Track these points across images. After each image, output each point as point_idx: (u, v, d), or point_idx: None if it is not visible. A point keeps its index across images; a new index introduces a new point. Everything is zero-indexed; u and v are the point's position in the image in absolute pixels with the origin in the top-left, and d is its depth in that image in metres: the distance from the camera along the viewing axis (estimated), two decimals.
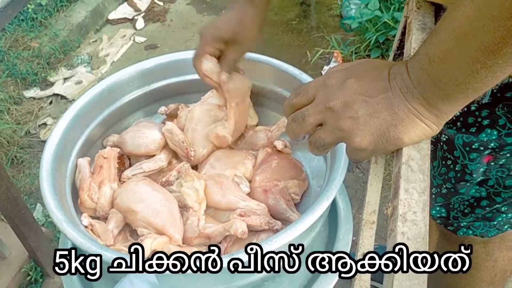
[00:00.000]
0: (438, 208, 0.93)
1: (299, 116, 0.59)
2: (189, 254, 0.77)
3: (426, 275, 0.49)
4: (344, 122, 0.56)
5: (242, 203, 0.82)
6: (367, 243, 0.75)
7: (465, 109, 0.77)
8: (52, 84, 2.44)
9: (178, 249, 0.77)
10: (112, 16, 2.89)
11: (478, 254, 1.01)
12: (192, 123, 0.92)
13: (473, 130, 0.79)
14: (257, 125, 0.99)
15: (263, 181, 0.85)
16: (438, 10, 0.80)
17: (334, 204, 0.88)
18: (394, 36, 2.21)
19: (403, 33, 0.89)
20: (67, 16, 2.73)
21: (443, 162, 0.86)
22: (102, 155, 0.87)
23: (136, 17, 2.89)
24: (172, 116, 1.00)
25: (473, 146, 0.80)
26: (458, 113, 0.79)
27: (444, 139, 0.83)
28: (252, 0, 0.84)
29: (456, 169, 0.85)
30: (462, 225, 0.93)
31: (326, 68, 2.37)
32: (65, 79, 2.47)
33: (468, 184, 0.86)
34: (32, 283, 1.56)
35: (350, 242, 0.84)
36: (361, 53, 2.33)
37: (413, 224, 0.51)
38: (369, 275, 0.74)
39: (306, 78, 0.92)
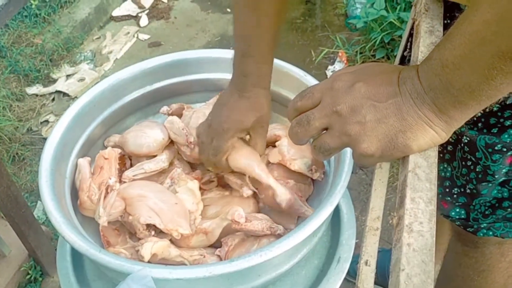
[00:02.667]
0: (457, 210, 0.92)
1: (304, 119, 0.58)
2: (190, 259, 0.76)
3: (431, 286, 0.47)
4: (351, 127, 0.54)
5: (257, 169, 0.83)
6: (371, 250, 0.74)
7: (487, 110, 0.76)
8: (54, 81, 2.42)
9: (178, 252, 0.76)
10: (116, 13, 2.88)
11: (492, 256, 0.99)
12: (199, 120, 0.91)
13: (495, 131, 0.78)
14: None
15: (277, 178, 0.85)
16: (448, 10, 0.78)
17: (337, 209, 0.87)
18: (399, 36, 2.19)
19: (410, 35, 0.87)
20: (70, 12, 2.72)
21: (463, 163, 0.85)
22: (103, 155, 0.86)
23: (140, 14, 2.87)
24: (174, 116, 0.99)
25: (496, 148, 0.79)
26: (479, 114, 0.77)
27: (466, 140, 0.81)
28: (259, 83, 0.82)
29: (477, 170, 0.83)
30: (482, 226, 0.91)
31: (330, 68, 2.35)
32: (68, 76, 2.45)
33: (490, 184, 0.84)
34: (32, 282, 1.55)
35: (353, 247, 0.83)
36: (366, 53, 2.31)
37: (419, 235, 0.49)
38: (372, 282, 0.73)
39: (310, 79, 0.91)
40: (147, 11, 2.90)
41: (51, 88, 2.38)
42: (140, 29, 2.78)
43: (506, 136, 0.77)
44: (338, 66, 2.33)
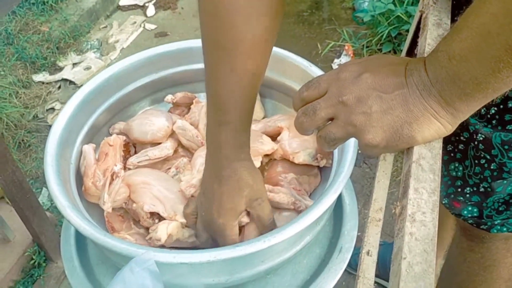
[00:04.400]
0: (470, 208, 0.91)
1: (310, 109, 0.58)
2: (204, 239, 0.77)
3: (433, 275, 0.48)
4: (357, 117, 0.54)
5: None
6: (372, 240, 0.74)
7: (501, 106, 0.75)
8: (61, 69, 2.43)
9: (192, 232, 0.77)
10: (123, 2, 2.88)
11: (498, 251, 0.99)
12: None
13: (510, 128, 0.77)
14: (264, 118, 0.98)
15: (271, 176, 0.85)
16: (456, 2, 0.78)
17: (340, 199, 0.87)
18: (407, 31, 2.19)
19: (418, 28, 0.87)
20: (78, 1, 2.72)
21: (476, 161, 0.83)
22: (108, 142, 0.87)
23: (147, 4, 2.87)
24: (178, 104, 0.99)
25: None
26: (493, 111, 0.77)
27: (481, 138, 0.80)
28: (237, 157, 0.71)
29: (492, 167, 0.82)
30: (496, 223, 0.91)
31: (336, 61, 2.34)
32: (74, 64, 2.46)
33: (505, 182, 0.83)
34: (36, 267, 1.57)
35: (355, 238, 0.83)
36: (372, 47, 2.30)
37: (422, 225, 0.50)
38: (373, 272, 0.73)
39: (315, 70, 0.91)
40: (154, 1, 2.90)
41: (57, 76, 2.39)
42: (147, 19, 2.78)
43: None
44: (344, 59, 2.33)
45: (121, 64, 0.94)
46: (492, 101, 0.54)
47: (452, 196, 0.90)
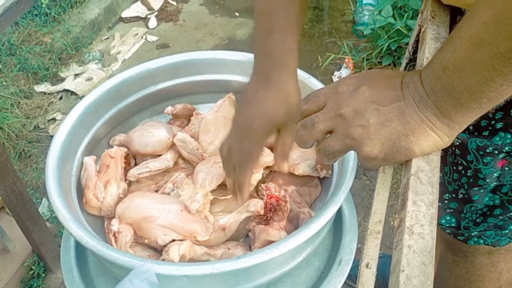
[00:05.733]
0: (448, 218, 0.92)
1: (308, 122, 0.59)
2: (218, 255, 0.77)
3: (432, 277, 0.48)
4: (355, 130, 0.55)
5: None
6: (372, 253, 0.75)
7: None
8: (62, 79, 2.44)
9: (204, 250, 0.77)
10: (125, 14, 2.90)
11: (482, 266, 0.99)
12: (206, 135, 0.92)
13: (486, 134, 0.78)
14: None
15: (281, 185, 0.85)
16: (455, 17, 0.79)
17: (339, 212, 0.88)
18: (406, 44, 2.20)
19: (416, 42, 0.88)
20: (80, 12, 2.74)
21: (454, 167, 0.85)
22: (109, 154, 0.87)
23: (149, 16, 2.89)
24: (178, 116, 1.00)
25: (487, 150, 0.79)
26: None
27: (457, 143, 0.81)
28: (285, 63, 0.72)
29: (468, 174, 0.83)
30: (473, 234, 0.92)
31: (336, 73, 2.36)
32: (76, 75, 2.47)
33: (482, 190, 0.84)
34: (35, 277, 1.56)
35: (355, 250, 0.83)
36: (372, 60, 2.32)
37: (420, 237, 0.50)
38: (372, 285, 0.73)
39: (314, 82, 0.92)
40: (156, 13, 2.92)
41: (59, 87, 2.40)
42: (148, 30, 2.80)
43: (497, 138, 0.77)
44: (344, 72, 2.34)
45: (122, 76, 0.95)
46: None
47: None
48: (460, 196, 0.87)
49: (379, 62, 2.31)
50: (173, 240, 0.76)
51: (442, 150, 0.83)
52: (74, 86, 2.40)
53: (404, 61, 0.98)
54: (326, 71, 2.38)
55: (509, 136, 0.76)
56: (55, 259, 1.55)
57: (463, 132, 0.78)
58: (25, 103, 2.29)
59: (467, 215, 0.89)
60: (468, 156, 0.81)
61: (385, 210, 0.81)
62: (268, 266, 0.69)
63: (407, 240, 0.50)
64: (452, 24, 0.78)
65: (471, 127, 0.78)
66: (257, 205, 0.79)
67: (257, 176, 0.83)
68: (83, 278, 0.79)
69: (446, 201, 0.89)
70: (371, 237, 0.76)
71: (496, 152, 0.78)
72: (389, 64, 2.27)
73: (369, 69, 2.30)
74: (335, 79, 2.33)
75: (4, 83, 2.33)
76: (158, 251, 0.79)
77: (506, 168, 0.80)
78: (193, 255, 0.76)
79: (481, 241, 0.92)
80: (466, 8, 0.75)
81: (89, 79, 2.44)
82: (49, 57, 2.50)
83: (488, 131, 0.78)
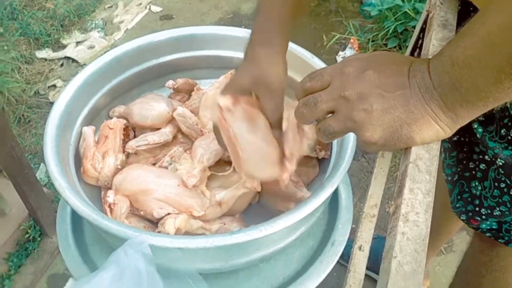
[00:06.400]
0: (488, 222, 0.89)
1: (311, 101, 0.58)
2: (213, 229, 0.77)
3: (422, 275, 0.48)
4: (357, 113, 0.54)
5: None
6: (365, 236, 0.76)
7: None
8: (64, 46, 2.43)
9: (200, 224, 0.77)
10: None
11: (507, 258, 0.98)
12: (206, 111, 0.92)
13: None
14: None
15: None
16: (466, 7, 0.78)
17: (336, 193, 0.88)
18: (413, 27, 2.18)
19: (423, 28, 0.87)
20: None
21: (496, 184, 0.81)
22: (108, 125, 0.87)
23: None
24: (179, 90, 1.00)
25: None
26: None
27: (501, 163, 0.77)
28: (261, 42, 0.74)
29: (511, 193, 0.80)
30: None
31: (341, 53, 2.34)
32: (78, 42, 2.45)
33: None
34: (30, 241, 1.58)
35: (349, 232, 0.84)
36: (378, 41, 2.30)
37: (415, 225, 0.50)
38: (364, 267, 0.74)
39: (317, 62, 0.91)
40: None
41: (60, 54, 2.38)
42: (152, 1, 2.76)
43: None
44: (349, 52, 2.32)
45: (124, 48, 0.94)
46: None
47: (471, 214, 0.88)
48: (497, 213, 0.84)
49: (385, 44, 2.29)
50: (169, 214, 0.76)
51: (484, 163, 0.81)
52: (76, 53, 2.38)
53: (409, 46, 0.97)
54: (330, 51, 2.36)
55: None
56: (51, 224, 1.56)
57: (506, 149, 0.75)
58: (26, 68, 2.28)
59: (507, 219, 0.87)
60: None
61: (382, 194, 0.81)
62: (262, 243, 0.70)
63: (401, 227, 0.50)
64: (462, 13, 0.77)
65: None
66: (253, 182, 0.79)
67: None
68: (78, 246, 0.80)
69: (483, 217, 0.87)
70: (365, 220, 0.77)
71: None
72: (395, 47, 2.25)
73: (374, 50, 2.28)
74: (339, 59, 2.31)
75: (5, 47, 2.31)
76: (153, 223, 0.79)
77: None
78: (189, 228, 0.76)
79: None
80: (476, 4, 0.73)
81: (91, 47, 2.42)
82: (51, 23, 2.48)
83: None
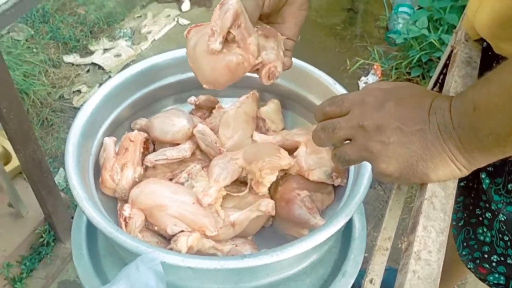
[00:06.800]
0: (496, 275, 0.88)
1: (329, 126, 0.58)
2: (224, 250, 0.78)
3: None
4: (374, 144, 0.55)
5: None
6: (377, 269, 0.75)
7: None
8: (91, 52, 2.47)
9: (212, 244, 0.78)
10: None
11: None
12: (225, 130, 0.93)
13: None
14: (283, 129, 0.99)
15: (285, 192, 0.85)
16: (490, 47, 0.78)
17: (350, 223, 0.88)
18: (438, 58, 2.17)
19: (447, 63, 0.87)
20: None
21: (500, 235, 0.81)
22: (129, 138, 0.88)
23: None
24: (200, 107, 1.01)
25: None
26: None
27: (502, 218, 0.77)
28: None
29: None
30: None
31: (363, 79, 2.34)
32: (105, 50, 2.50)
33: None
34: (44, 245, 1.59)
35: (361, 263, 0.83)
36: (401, 69, 2.29)
37: (426, 264, 0.50)
38: None
39: (339, 88, 0.91)
40: None
41: (87, 59, 2.43)
42: (181, 13, 2.80)
43: None
44: (371, 78, 2.32)
45: (151, 61, 0.96)
46: None
47: (479, 261, 0.87)
48: (510, 261, 0.82)
49: (408, 72, 2.28)
50: (182, 231, 0.77)
51: (489, 212, 0.80)
52: (102, 60, 2.42)
53: (432, 79, 0.97)
54: (353, 75, 2.37)
55: None
56: (66, 230, 1.58)
57: (510, 204, 0.74)
58: (53, 72, 2.32)
59: None
60: None
61: (396, 227, 0.81)
62: (273, 268, 0.70)
63: (413, 265, 0.50)
64: (487, 51, 0.76)
65: None
66: (268, 206, 0.79)
67: (271, 177, 0.83)
68: (91, 256, 0.81)
69: (494, 263, 0.86)
70: (378, 253, 0.76)
71: None
72: (418, 76, 2.24)
73: (397, 78, 2.27)
74: (361, 84, 2.31)
75: (35, 50, 2.36)
76: (166, 238, 0.80)
77: None
78: (201, 247, 0.77)
79: None
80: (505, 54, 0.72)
81: (118, 55, 2.46)
82: (81, 28, 2.53)
83: None
